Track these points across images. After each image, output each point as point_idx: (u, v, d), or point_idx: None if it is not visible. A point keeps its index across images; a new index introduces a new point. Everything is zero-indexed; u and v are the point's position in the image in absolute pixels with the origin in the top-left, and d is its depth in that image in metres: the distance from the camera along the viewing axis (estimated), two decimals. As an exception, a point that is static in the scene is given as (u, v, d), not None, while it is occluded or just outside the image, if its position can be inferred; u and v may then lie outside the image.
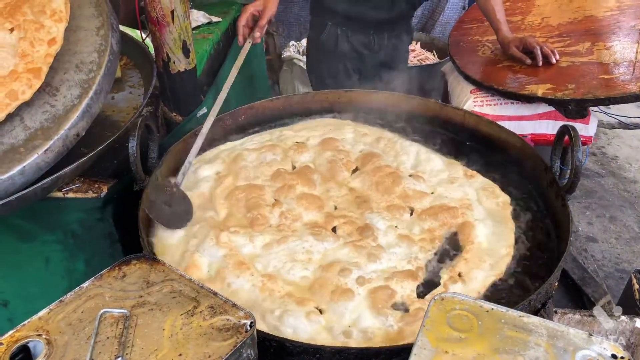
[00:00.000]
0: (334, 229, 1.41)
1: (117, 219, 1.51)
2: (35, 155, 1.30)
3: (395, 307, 1.20)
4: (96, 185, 1.43)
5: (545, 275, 1.26)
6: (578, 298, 2.37)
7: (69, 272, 1.58)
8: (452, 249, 1.37)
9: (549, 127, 2.14)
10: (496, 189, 1.55)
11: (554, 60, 2.12)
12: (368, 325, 1.15)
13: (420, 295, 1.24)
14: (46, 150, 1.31)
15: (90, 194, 1.41)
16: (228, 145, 1.75)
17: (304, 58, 3.47)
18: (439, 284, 1.26)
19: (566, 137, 1.43)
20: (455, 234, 1.40)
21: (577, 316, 1.79)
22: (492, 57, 2.25)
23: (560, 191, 1.41)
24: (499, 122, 2.11)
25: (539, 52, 2.13)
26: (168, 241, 1.38)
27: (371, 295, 1.20)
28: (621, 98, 1.82)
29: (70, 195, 1.42)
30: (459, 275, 1.28)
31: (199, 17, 2.85)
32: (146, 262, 1.04)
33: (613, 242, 3.46)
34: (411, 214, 1.46)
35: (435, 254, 1.35)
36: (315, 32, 2.43)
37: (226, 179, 1.55)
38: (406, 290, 1.24)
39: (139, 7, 1.75)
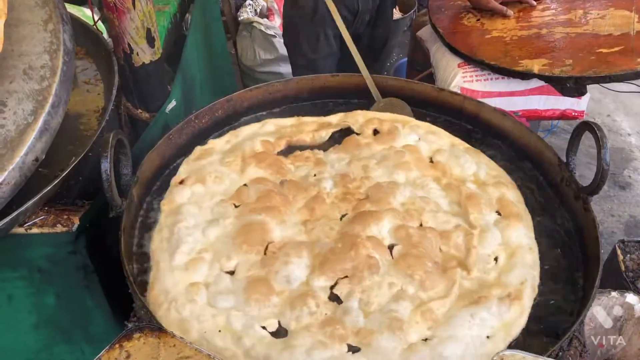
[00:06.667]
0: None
1: (91, 247, 1.30)
2: (-12, 192, 1.07)
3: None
4: (65, 216, 1.21)
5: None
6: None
7: (37, 307, 1.38)
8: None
9: (541, 103, 2.04)
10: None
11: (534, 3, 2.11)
12: None
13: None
14: (1, 184, 1.08)
15: (59, 228, 1.19)
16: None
17: (264, 21, 3.19)
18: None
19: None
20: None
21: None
22: (479, 27, 2.10)
23: (580, 193, 1.32)
24: (489, 99, 2.00)
25: None
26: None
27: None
28: (623, 75, 1.72)
29: (35, 230, 1.19)
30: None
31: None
32: (151, 334, 0.87)
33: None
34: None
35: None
36: None
37: None
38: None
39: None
